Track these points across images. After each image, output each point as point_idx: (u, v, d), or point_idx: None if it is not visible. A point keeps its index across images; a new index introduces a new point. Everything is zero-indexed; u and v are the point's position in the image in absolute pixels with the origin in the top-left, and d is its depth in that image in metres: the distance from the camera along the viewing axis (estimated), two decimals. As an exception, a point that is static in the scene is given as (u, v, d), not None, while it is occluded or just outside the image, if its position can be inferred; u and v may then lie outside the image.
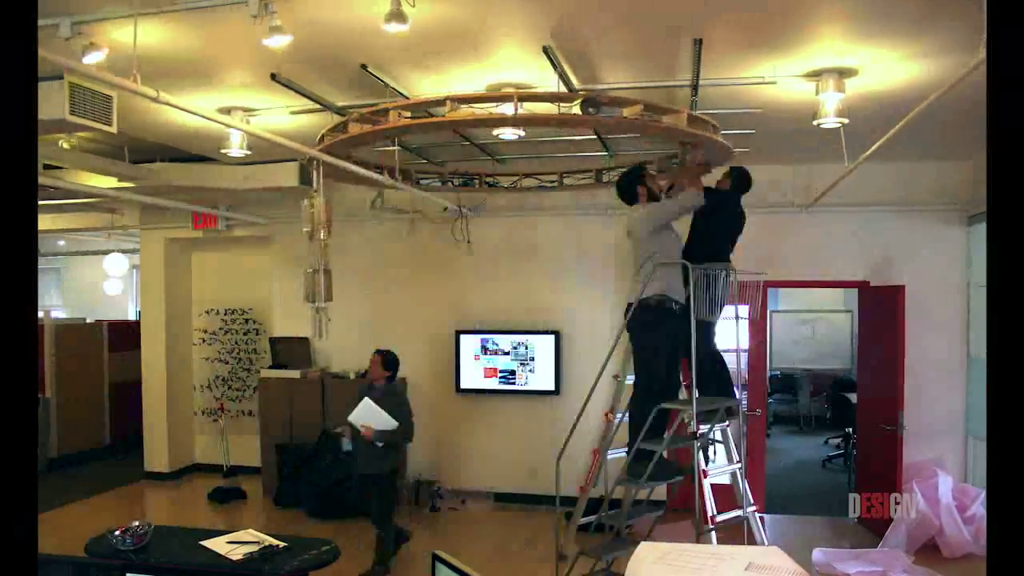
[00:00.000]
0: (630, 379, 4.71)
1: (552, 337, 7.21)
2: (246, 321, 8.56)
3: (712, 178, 5.01)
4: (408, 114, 4.07)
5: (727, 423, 4.80)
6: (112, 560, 3.39)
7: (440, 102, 3.93)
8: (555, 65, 4.00)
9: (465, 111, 3.94)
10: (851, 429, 8.11)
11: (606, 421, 5.05)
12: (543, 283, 7.31)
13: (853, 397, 8.33)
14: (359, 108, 4.30)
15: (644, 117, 3.94)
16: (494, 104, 3.99)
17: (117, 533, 3.59)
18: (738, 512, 4.60)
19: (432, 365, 7.59)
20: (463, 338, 7.41)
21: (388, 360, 5.56)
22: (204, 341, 8.69)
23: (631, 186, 4.65)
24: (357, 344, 7.71)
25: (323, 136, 4.61)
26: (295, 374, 7.55)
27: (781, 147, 6.20)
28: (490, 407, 7.47)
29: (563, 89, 4.16)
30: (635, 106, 3.92)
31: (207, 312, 8.69)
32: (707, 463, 4.61)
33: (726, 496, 4.97)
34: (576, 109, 3.88)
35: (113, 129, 4.16)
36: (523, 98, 3.92)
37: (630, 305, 4.41)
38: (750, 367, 7.24)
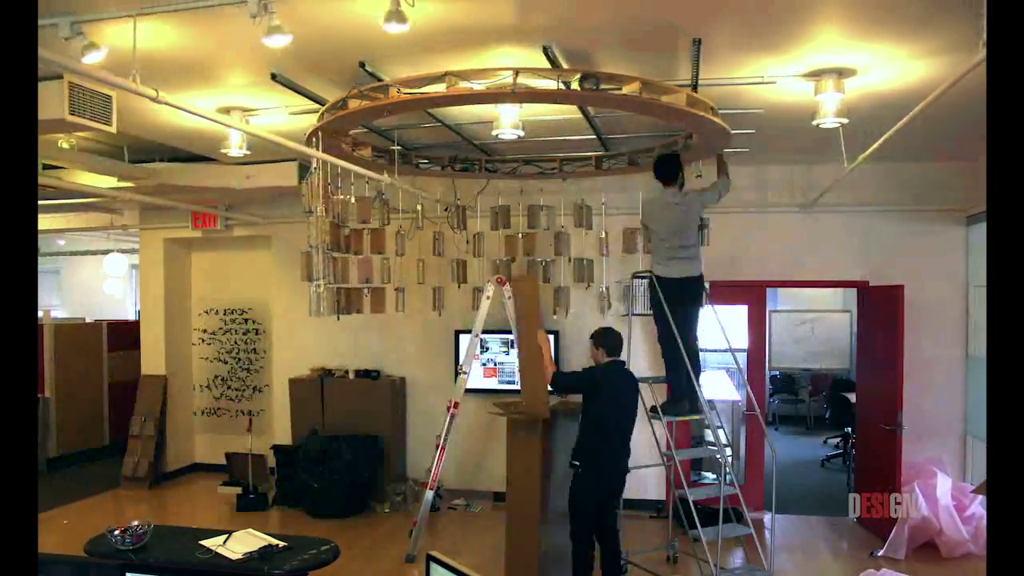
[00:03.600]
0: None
1: (551, 337, 7.20)
2: (246, 321, 8.57)
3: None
4: (407, 90, 4.06)
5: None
6: (112, 560, 3.38)
7: (440, 77, 3.93)
8: (555, 65, 4.00)
9: (464, 86, 3.93)
10: (850, 429, 8.12)
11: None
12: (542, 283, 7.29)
13: (852, 397, 8.33)
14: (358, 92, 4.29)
15: (643, 95, 3.94)
16: (495, 76, 3.94)
17: (117, 533, 3.59)
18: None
19: (432, 365, 7.60)
20: (463, 338, 7.40)
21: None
22: (204, 341, 8.69)
23: (676, 166, 5.21)
24: (355, 342, 7.73)
25: (323, 114, 4.61)
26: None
27: (781, 147, 6.21)
28: (490, 407, 7.46)
29: (562, 88, 4.16)
30: (634, 83, 3.92)
31: (207, 312, 8.70)
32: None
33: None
34: (575, 84, 3.89)
35: (113, 129, 4.17)
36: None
37: (689, 279, 5.15)
38: (748, 367, 7.27)
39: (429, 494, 5.85)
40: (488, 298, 6.03)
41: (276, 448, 7.48)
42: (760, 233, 6.92)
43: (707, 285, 5.36)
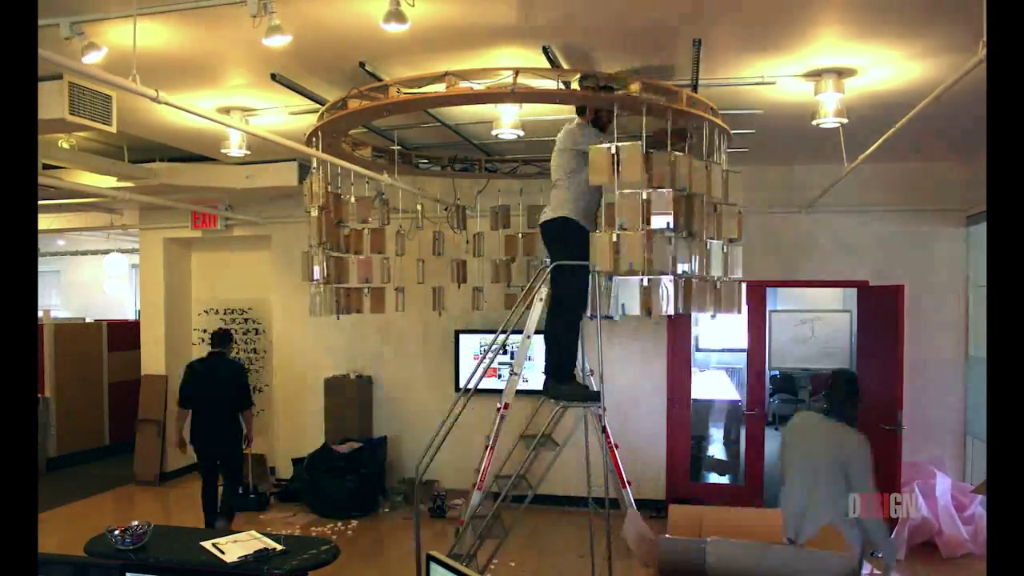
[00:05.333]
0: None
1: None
2: (246, 321, 8.56)
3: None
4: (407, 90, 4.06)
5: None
6: (111, 560, 3.38)
7: (439, 77, 3.94)
8: (555, 65, 4.00)
9: (463, 86, 3.93)
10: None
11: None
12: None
13: (852, 397, 8.31)
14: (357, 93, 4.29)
15: (643, 96, 3.93)
16: (496, 76, 3.93)
17: (116, 533, 3.59)
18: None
19: (432, 365, 7.60)
20: (463, 338, 7.41)
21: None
22: (204, 341, 8.67)
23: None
24: (358, 344, 7.72)
25: (323, 114, 4.62)
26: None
27: (781, 147, 6.20)
28: (490, 406, 7.44)
29: (562, 88, 4.16)
30: (634, 83, 3.92)
31: (207, 312, 8.69)
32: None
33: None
34: (575, 84, 3.90)
35: (113, 129, 4.17)
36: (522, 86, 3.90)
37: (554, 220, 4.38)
38: (748, 366, 7.27)
39: (477, 494, 5.83)
40: (541, 300, 6.02)
41: (316, 453, 7.37)
42: (760, 233, 6.92)
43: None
